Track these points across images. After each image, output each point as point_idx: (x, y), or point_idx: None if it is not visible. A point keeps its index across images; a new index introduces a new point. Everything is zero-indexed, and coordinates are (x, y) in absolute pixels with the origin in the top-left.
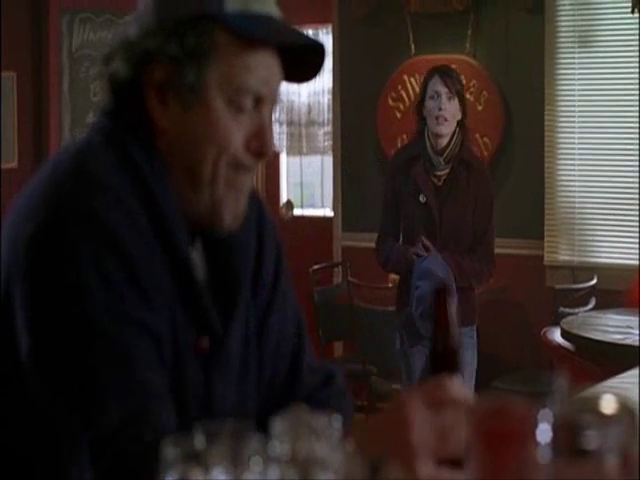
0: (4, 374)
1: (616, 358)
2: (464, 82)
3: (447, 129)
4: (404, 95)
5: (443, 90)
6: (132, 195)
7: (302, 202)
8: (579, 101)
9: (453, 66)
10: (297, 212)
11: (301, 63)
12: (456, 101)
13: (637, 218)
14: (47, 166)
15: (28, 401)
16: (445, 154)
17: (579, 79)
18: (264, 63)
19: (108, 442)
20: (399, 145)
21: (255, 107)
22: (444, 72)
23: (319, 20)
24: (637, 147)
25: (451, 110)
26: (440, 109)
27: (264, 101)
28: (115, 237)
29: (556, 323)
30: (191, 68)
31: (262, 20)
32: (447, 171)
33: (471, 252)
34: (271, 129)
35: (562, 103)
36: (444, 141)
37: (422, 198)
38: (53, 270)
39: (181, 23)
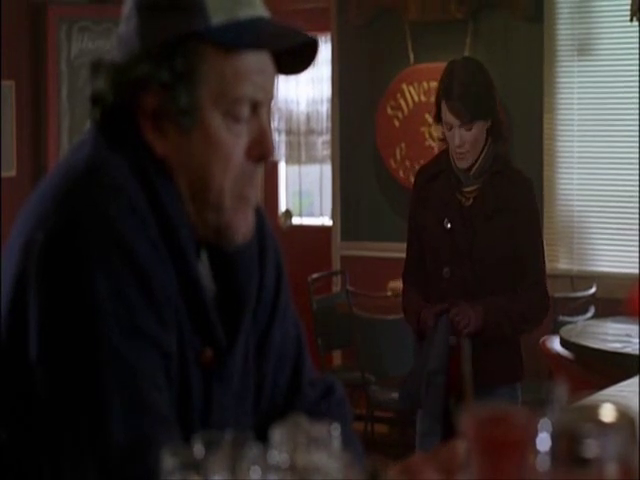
0: (13, 376)
1: (615, 367)
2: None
3: (471, 158)
4: (403, 104)
5: (455, 122)
6: (143, 202)
7: (301, 211)
8: (578, 109)
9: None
10: (296, 221)
11: (293, 56)
12: (478, 125)
13: (636, 226)
14: (57, 170)
15: (35, 404)
16: (474, 169)
17: (578, 87)
18: (257, 68)
19: (111, 461)
20: (397, 154)
21: (253, 112)
22: (451, 96)
23: (318, 28)
24: (636, 155)
25: (470, 139)
26: (457, 145)
27: (261, 105)
28: (128, 246)
29: (555, 332)
30: (183, 91)
31: (250, 26)
32: (478, 186)
33: (519, 288)
34: (271, 131)
35: (561, 111)
36: (471, 160)
37: (447, 223)
38: (65, 278)
39: (167, 45)
